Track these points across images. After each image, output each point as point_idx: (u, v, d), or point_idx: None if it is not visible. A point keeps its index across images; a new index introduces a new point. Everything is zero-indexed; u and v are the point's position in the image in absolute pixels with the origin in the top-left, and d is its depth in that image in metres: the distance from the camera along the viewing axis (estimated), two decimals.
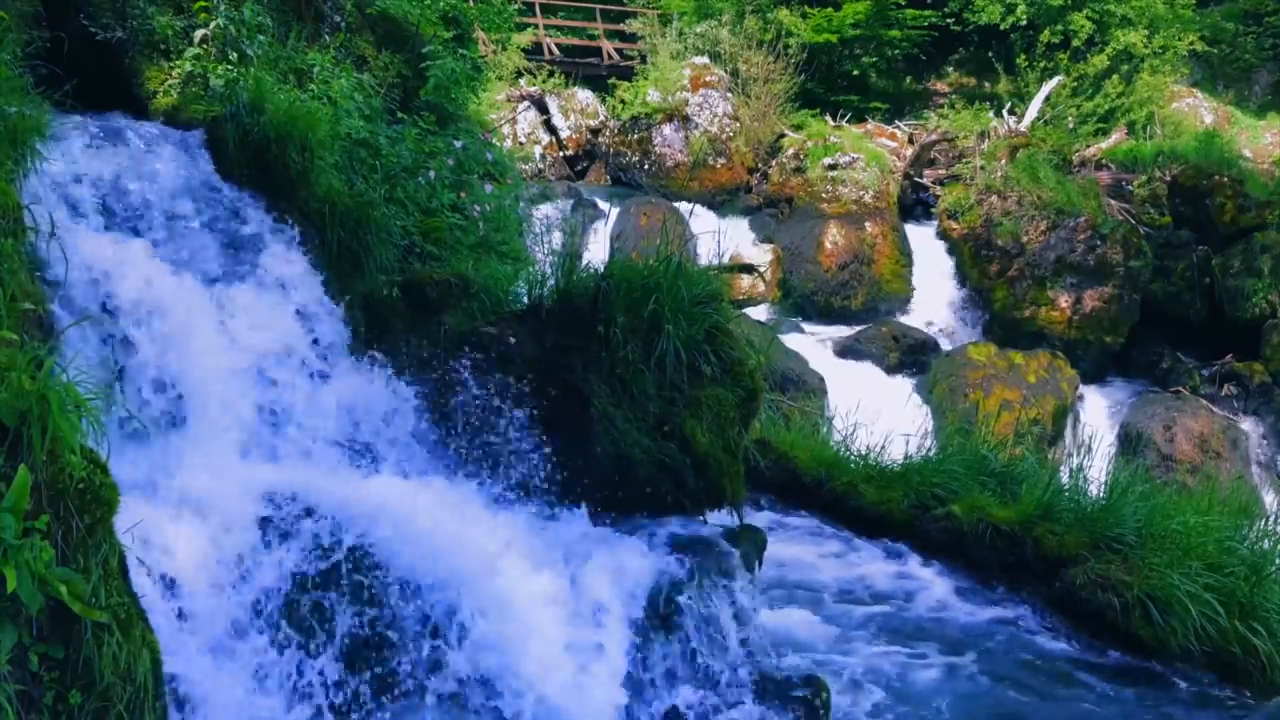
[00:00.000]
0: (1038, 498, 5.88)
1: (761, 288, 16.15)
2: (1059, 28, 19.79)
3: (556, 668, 3.71)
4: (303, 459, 4.24)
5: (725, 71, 19.42)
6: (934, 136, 18.56)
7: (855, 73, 21.04)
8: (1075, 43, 19.76)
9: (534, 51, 20.50)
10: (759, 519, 5.81)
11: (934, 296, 16.64)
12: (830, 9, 20.23)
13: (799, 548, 6.03)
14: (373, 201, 5.31)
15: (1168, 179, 16.26)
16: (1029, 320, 15.65)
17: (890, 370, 14.74)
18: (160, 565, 3.16)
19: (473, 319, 5.01)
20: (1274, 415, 14.26)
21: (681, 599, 4.15)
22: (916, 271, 16.74)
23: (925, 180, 18.02)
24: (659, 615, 4.11)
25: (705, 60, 19.63)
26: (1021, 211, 15.81)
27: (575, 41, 22.76)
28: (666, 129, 18.76)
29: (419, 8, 7.07)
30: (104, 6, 5.32)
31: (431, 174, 6.11)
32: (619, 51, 22.18)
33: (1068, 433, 14.12)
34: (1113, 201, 15.90)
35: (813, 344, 15.14)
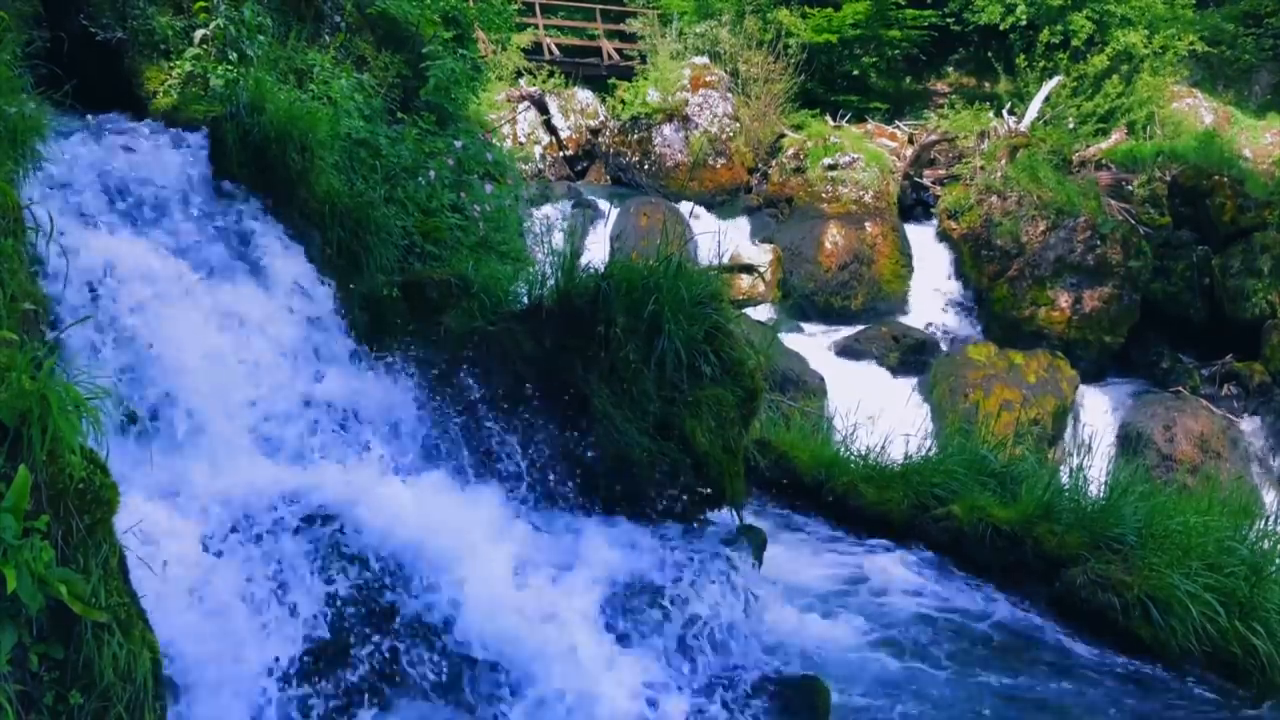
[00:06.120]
0: (1038, 498, 5.88)
1: (761, 288, 16.15)
2: (1059, 28, 19.79)
3: (552, 667, 3.71)
4: (301, 458, 4.24)
5: (725, 71, 19.42)
6: (934, 136, 18.55)
7: (855, 73, 21.03)
8: (1075, 43, 19.75)
9: (534, 51, 20.48)
10: (757, 518, 5.81)
11: (934, 297, 16.64)
12: (830, 9, 20.22)
13: (797, 547, 6.03)
14: (373, 201, 5.32)
15: (1168, 179, 16.26)
16: (1029, 320, 15.66)
17: (890, 370, 14.74)
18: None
19: (473, 319, 5.01)
20: (1274, 415, 14.26)
21: (680, 599, 4.15)
22: (916, 272, 16.74)
23: (925, 180, 18.02)
24: (656, 615, 4.11)
25: (705, 60, 19.62)
26: (1021, 211, 15.81)
27: (575, 41, 22.74)
28: (666, 129, 18.76)
29: (419, 8, 7.07)
30: (104, 6, 5.32)
31: (431, 174, 6.11)
32: (619, 51, 22.17)
33: (1068, 433, 14.12)
34: (1113, 201, 15.90)
35: (813, 344, 15.13)
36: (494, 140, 7.79)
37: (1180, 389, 14.74)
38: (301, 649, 3.39)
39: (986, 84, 21.38)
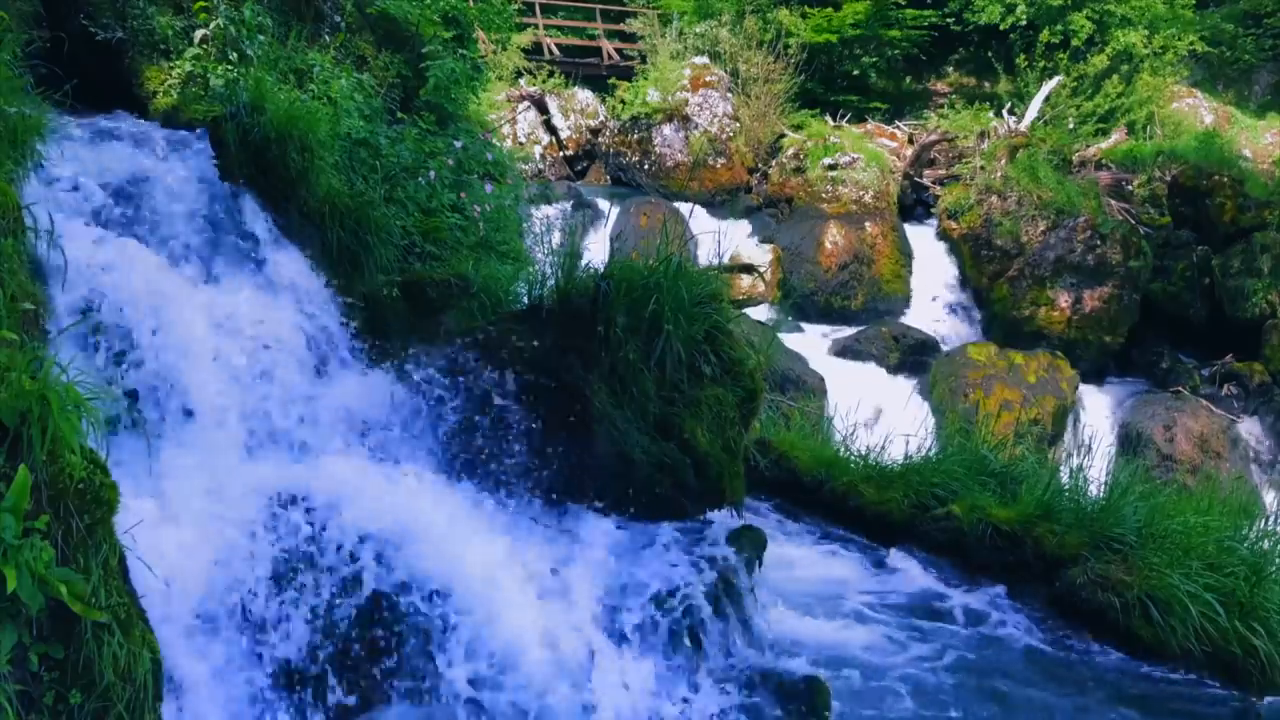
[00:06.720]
0: (1038, 498, 5.88)
1: (761, 288, 16.15)
2: (1059, 28, 19.80)
3: (554, 669, 3.71)
4: (301, 459, 4.24)
5: (725, 71, 19.42)
6: (934, 136, 18.55)
7: (855, 73, 21.04)
8: (1075, 43, 19.75)
9: (534, 51, 20.48)
10: (758, 518, 5.81)
11: (934, 296, 16.64)
12: (830, 9, 20.23)
13: (796, 547, 6.03)
14: (373, 201, 5.32)
15: (1168, 179, 16.26)
16: (1029, 320, 15.66)
17: (890, 370, 14.74)
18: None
19: (473, 319, 5.02)
20: (1274, 415, 14.26)
21: (680, 599, 4.15)
22: (916, 271, 16.73)
23: (925, 180, 18.02)
24: (657, 615, 4.11)
25: (705, 60, 19.62)
26: (1021, 211, 15.81)
27: (575, 41, 22.75)
28: (666, 129, 18.76)
29: (419, 8, 7.07)
30: (104, 6, 5.33)
31: (431, 174, 6.11)
32: (619, 51, 22.17)
33: (1068, 433, 14.12)
34: (1113, 201, 15.90)
35: (813, 344, 15.13)
36: (494, 140, 7.78)
37: (1180, 389, 14.75)
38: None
39: (986, 84, 21.39)
